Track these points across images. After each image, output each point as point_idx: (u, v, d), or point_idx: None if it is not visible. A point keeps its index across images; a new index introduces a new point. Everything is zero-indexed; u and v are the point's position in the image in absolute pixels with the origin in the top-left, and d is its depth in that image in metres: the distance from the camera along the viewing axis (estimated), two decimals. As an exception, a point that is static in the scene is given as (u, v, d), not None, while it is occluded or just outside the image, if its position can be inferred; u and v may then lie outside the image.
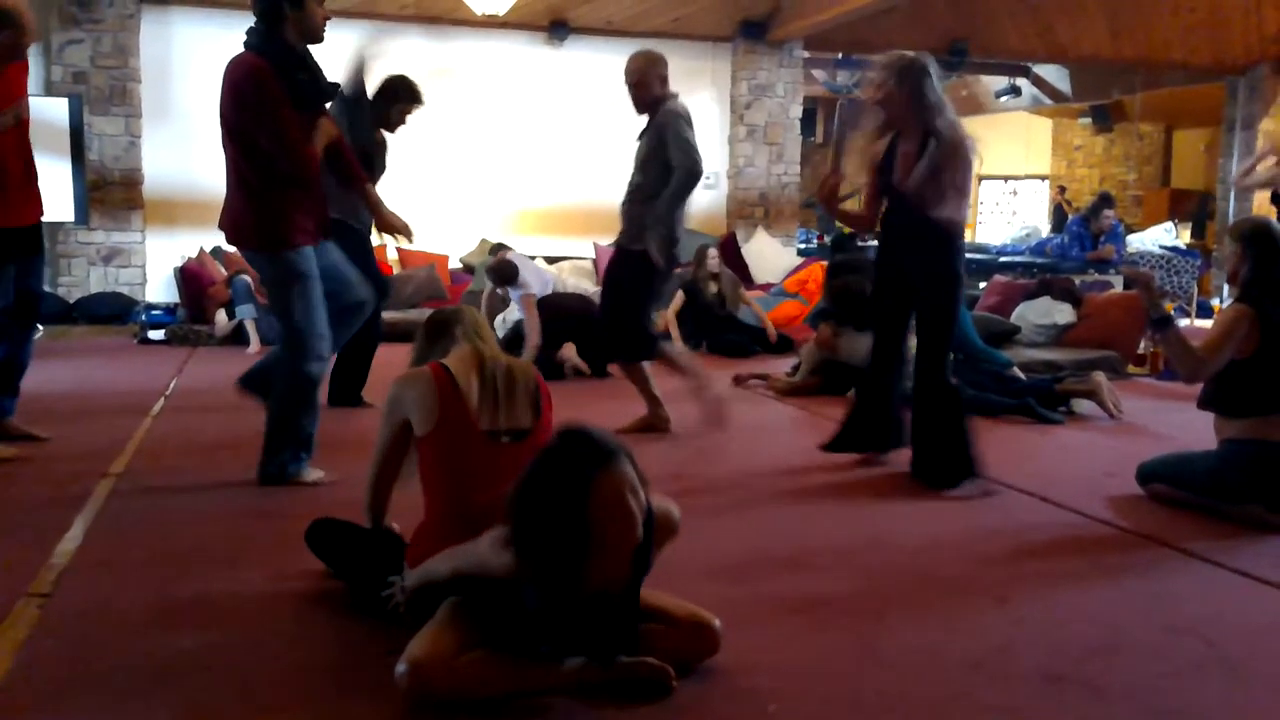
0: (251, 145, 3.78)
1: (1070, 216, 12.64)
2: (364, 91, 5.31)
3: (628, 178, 4.87)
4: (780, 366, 7.05)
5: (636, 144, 4.85)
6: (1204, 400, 3.87)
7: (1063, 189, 16.37)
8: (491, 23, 10.18)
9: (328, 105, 4.11)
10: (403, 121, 5.60)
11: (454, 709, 2.09)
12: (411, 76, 5.63)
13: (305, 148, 3.82)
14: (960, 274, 4.12)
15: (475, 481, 2.44)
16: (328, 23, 3.95)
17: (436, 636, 2.17)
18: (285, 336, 3.98)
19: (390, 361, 5.71)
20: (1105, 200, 10.22)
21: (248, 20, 3.89)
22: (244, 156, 3.81)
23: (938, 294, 4.09)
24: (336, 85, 4.17)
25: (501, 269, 7.27)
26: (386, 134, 5.59)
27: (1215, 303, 12.47)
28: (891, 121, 4.12)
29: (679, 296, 8.19)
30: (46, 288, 9.76)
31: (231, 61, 3.80)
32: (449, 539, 2.34)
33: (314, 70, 3.93)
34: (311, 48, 3.94)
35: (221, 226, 4.01)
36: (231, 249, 9.16)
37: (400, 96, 5.52)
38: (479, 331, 2.68)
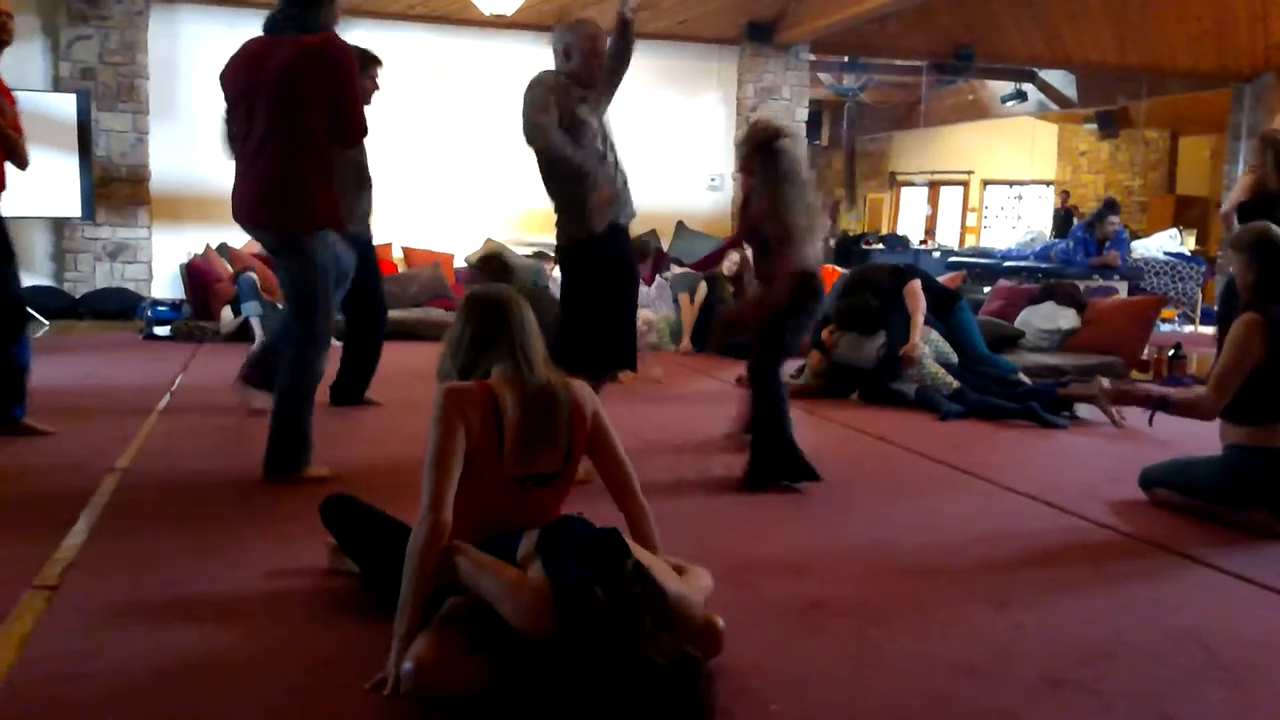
0: (318, 125, 3.82)
1: (1076, 222, 12.64)
2: None
3: (617, 159, 4.46)
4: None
5: (604, 121, 4.49)
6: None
7: (1066, 194, 16.33)
8: (499, 23, 10.20)
9: None
10: (376, 88, 5.37)
11: (459, 707, 2.10)
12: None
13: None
14: (790, 303, 4.15)
15: (491, 515, 2.43)
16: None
17: (442, 635, 2.18)
18: (299, 323, 3.97)
19: (395, 357, 5.75)
20: (1110, 207, 10.21)
21: (255, 17, 3.91)
22: (305, 136, 3.82)
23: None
24: None
25: (495, 265, 7.32)
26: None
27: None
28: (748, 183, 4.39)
29: (701, 288, 8.26)
30: (53, 283, 9.83)
31: (316, 40, 3.80)
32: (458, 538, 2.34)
33: None
34: None
35: (244, 212, 3.96)
36: (238, 246, 9.23)
37: (364, 66, 5.23)
38: (525, 346, 2.49)
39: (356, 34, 5.87)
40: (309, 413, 3.98)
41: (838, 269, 9.54)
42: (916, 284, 6.18)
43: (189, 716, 2.11)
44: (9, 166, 4.49)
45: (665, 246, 11.05)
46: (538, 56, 11.36)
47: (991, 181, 18.62)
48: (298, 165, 3.84)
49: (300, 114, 3.80)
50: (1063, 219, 15.05)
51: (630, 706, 1.95)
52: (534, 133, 4.15)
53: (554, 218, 4.40)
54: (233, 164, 3.99)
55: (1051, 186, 17.82)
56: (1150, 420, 4.02)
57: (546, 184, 4.33)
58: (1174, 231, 12.62)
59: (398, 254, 10.30)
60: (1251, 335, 3.68)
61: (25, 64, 9.58)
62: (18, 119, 4.50)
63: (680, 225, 11.60)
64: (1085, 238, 9.97)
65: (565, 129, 4.15)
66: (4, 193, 4.45)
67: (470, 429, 2.36)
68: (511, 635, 2.13)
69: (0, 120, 4.35)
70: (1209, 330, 10.42)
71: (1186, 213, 15.27)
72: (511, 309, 2.54)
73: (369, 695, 2.17)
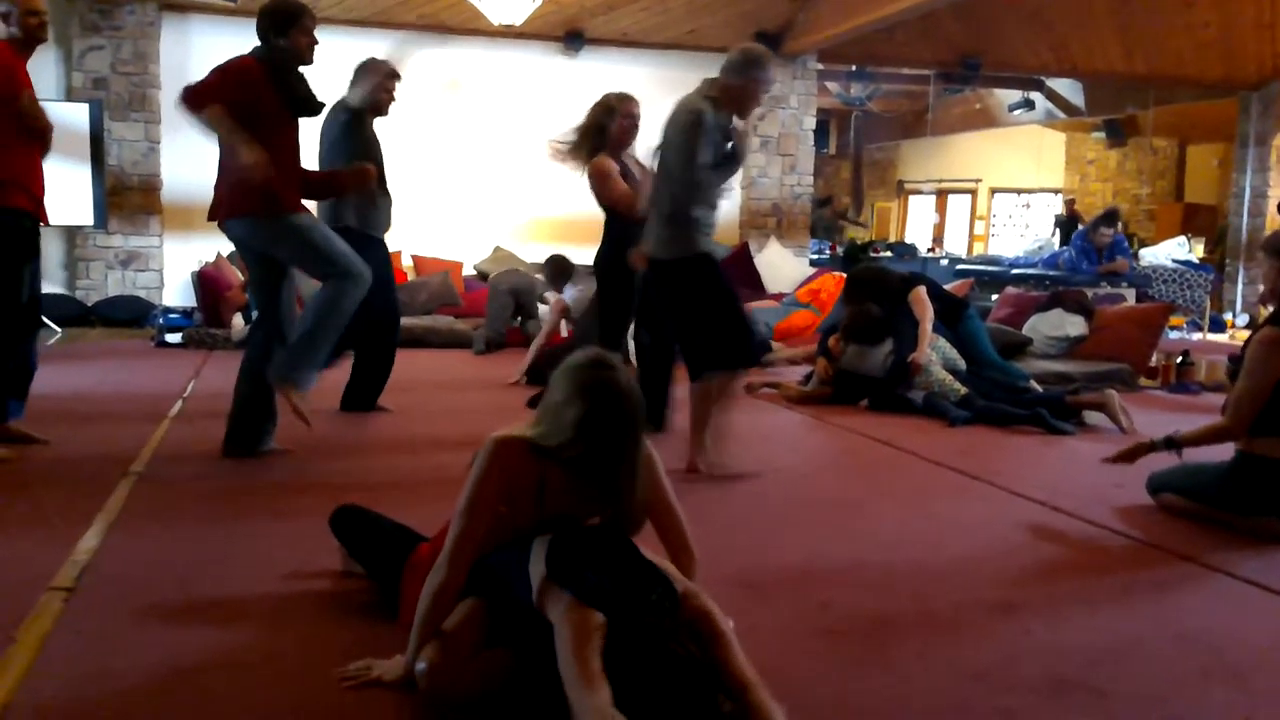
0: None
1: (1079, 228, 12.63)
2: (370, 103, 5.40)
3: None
4: (793, 375, 7.08)
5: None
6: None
7: (1071, 201, 16.28)
8: (508, 33, 10.26)
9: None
10: (392, 99, 5.49)
11: (471, 708, 2.13)
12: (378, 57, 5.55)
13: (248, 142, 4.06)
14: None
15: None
16: (314, 48, 4.31)
17: (456, 637, 2.20)
18: (324, 271, 4.26)
19: (404, 364, 5.78)
20: (1107, 218, 10.12)
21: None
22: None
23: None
24: (320, 103, 4.47)
25: (558, 263, 7.35)
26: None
27: (1228, 317, 12.47)
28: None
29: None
30: (65, 290, 9.89)
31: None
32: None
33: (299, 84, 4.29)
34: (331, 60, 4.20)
35: (216, 214, 4.27)
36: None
37: (381, 76, 5.42)
38: (629, 487, 2.25)
39: (366, 45, 5.92)
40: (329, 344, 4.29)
41: (845, 277, 9.56)
42: (922, 291, 6.20)
43: (206, 714, 2.14)
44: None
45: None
46: (546, 66, 11.40)
47: (999, 190, 18.63)
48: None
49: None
50: (1068, 226, 15.04)
51: (652, 707, 1.97)
52: (691, 165, 4.26)
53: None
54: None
55: (1060, 195, 17.82)
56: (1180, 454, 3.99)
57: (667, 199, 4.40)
58: (1182, 239, 12.63)
59: (407, 262, 10.34)
60: (1272, 355, 3.63)
61: (38, 74, 9.58)
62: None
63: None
64: (1085, 246, 9.98)
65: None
66: (44, 197, 4.58)
67: (510, 494, 2.25)
68: (527, 636, 2.14)
69: (34, 107, 4.41)
70: (1217, 338, 10.43)
71: (1195, 221, 15.26)
72: (638, 428, 2.24)
73: (383, 694, 2.20)
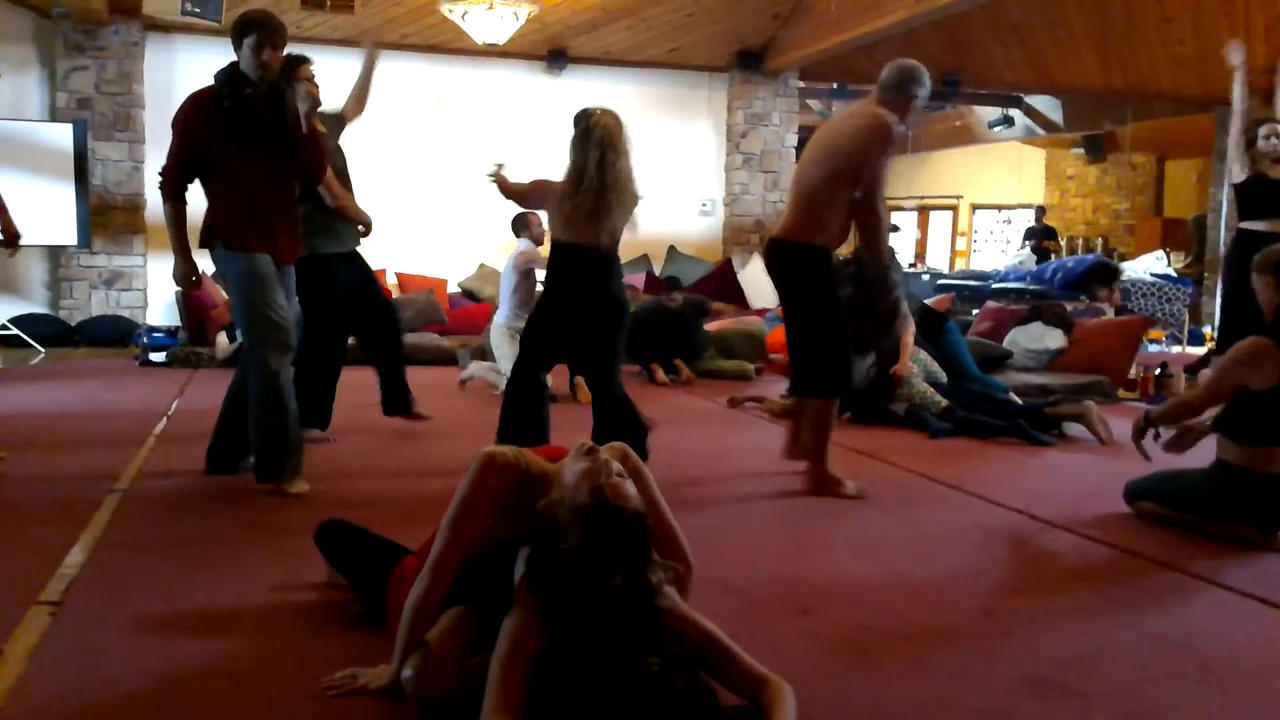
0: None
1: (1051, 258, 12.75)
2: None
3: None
4: (776, 389, 7.12)
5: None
6: (1215, 420, 3.86)
7: (1041, 210, 16.15)
8: (491, 52, 10.33)
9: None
10: (315, 94, 5.21)
11: (458, 715, 2.15)
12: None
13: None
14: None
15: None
16: (274, 64, 4.15)
17: (440, 644, 2.23)
18: (242, 333, 4.25)
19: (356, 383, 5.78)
20: (1106, 275, 9.73)
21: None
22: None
23: None
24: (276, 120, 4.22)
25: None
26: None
27: (1206, 330, 12.57)
28: None
29: None
30: (48, 310, 9.88)
31: None
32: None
33: (257, 102, 4.11)
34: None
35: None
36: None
37: (292, 65, 5.31)
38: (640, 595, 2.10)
39: (351, 63, 5.96)
40: (285, 420, 4.19)
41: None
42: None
43: (194, 722, 2.16)
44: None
45: (658, 271, 11.14)
46: (529, 85, 11.47)
47: (980, 206, 18.78)
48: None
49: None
50: (1041, 235, 15.11)
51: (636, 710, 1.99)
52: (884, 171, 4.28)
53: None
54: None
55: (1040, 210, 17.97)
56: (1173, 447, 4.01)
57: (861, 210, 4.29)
58: (1160, 253, 12.73)
59: (392, 279, 10.37)
60: (1260, 356, 3.66)
61: (22, 94, 9.68)
62: None
63: (672, 250, 11.70)
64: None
65: None
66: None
67: (498, 507, 2.25)
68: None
69: None
70: (1196, 350, 10.51)
71: (1174, 235, 15.41)
72: (641, 536, 2.13)
73: (371, 701, 2.22)
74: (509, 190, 4.63)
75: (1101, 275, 9.78)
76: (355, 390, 5.69)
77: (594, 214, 4.31)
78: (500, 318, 7.18)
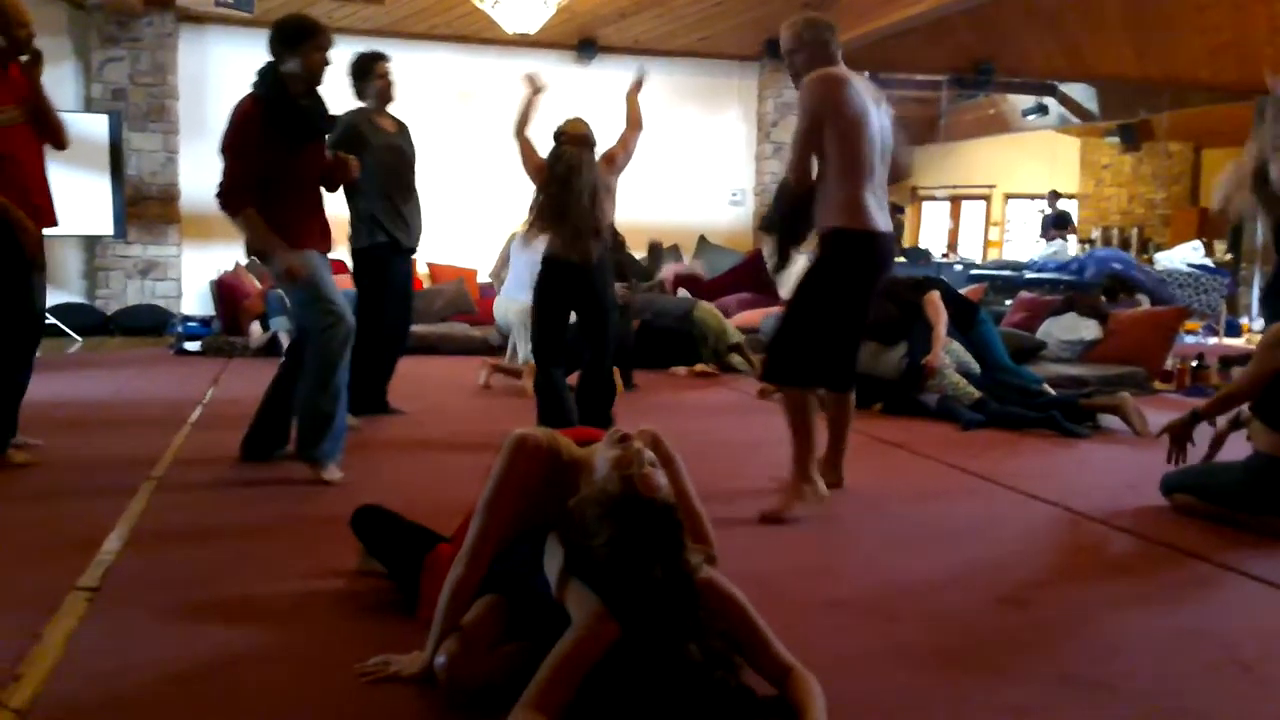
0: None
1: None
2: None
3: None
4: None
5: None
6: (1252, 406, 3.86)
7: (1055, 194, 15.83)
8: (521, 41, 10.33)
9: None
10: (389, 91, 5.49)
11: (490, 701, 2.16)
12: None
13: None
14: None
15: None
16: (326, 68, 4.20)
17: (474, 631, 2.24)
18: (304, 313, 4.25)
19: (419, 369, 5.84)
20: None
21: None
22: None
23: None
24: (325, 122, 4.38)
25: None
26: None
27: (1244, 321, 12.43)
28: None
29: None
30: (84, 300, 9.99)
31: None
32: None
33: (306, 108, 4.21)
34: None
35: None
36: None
37: (368, 63, 5.43)
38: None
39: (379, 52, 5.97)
40: (325, 397, 4.22)
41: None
42: (936, 295, 6.22)
43: (230, 707, 2.18)
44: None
45: (687, 261, 11.12)
46: (559, 74, 11.44)
47: (1014, 196, 18.60)
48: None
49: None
50: (1057, 222, 14.92)
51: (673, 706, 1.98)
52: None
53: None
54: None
55: (1075, 200, 17.78)
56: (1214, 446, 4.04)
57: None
58: (1197, 243, 12.58)
59: (423, 269, 10.41)
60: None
61: (58, 86, 9.77)
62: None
63: (702, 240, 11.68)
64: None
65: None
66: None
67: (530, 489, 2.27)
68: (546, 628, 2.16)
69: (42, 103, 4.32)
70: (1233, 341, 10.39)
71: (1210, 225, 15.22)
72: (671, 526, 2.12)
73: (402, 686, 2.24)
74: (525, 136, 4.93)
75: (1117, 289, 9.67)
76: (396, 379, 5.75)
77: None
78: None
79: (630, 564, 2.04)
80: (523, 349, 6.81)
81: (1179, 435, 3.98)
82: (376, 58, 5.39)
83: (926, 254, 15.14)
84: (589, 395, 4.86)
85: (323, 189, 4.44)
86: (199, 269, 10.15)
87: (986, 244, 18.64)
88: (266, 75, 4.14)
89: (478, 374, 6.96)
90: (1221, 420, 4.07)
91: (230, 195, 4.09)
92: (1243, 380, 3.86)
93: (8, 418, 4.35)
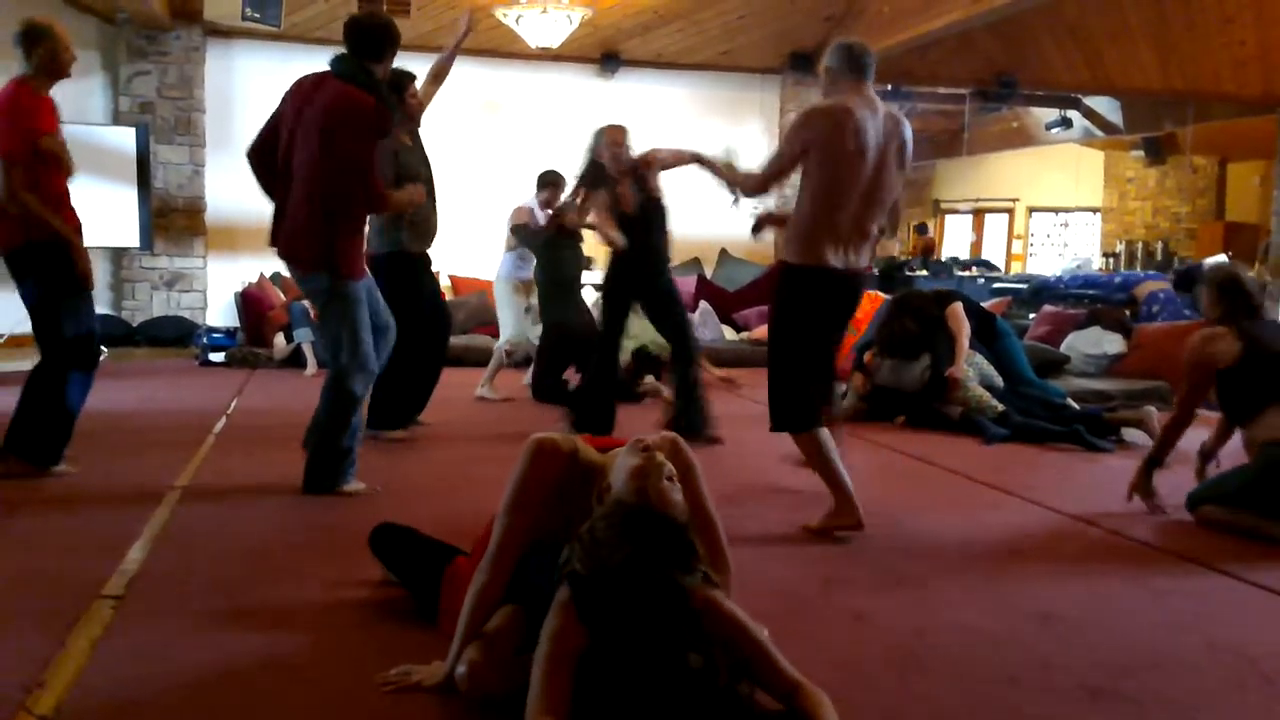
0: (342, 175, 3.97)
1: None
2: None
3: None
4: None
5: None
6: (1230, 418, 4.11)
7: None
8: (545, 55, 10.38)
9: None
10: (418, 111, 5.51)
11: (511, 710, 2.16)
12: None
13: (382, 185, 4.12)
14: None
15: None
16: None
17: (495, 640, 2.25)
18: (333, 354, 4.14)
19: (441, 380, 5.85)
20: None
21: (308, 53, 4.12)
22: (327, 183, 3.97)
23: None
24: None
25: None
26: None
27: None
28: None
29: None
30: (111, 311, 10.08)
31: (340, 92, 3.96)
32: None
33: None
34: None
35: (277, 244, 4.19)
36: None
37: (403, 81, 5.38)
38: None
39: (408, 67, 6.01)
40: (349, 435, 4.15)
41: (880, 295, 9.56)
42: (959, 307, 6.20)
43: (250, 717, 2.20)
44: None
45: (709, 274, 11.12)
46: (582, 88, 11.49)
47: (1037, 209, 18.54)
48: (329, 213, 4.00)
49: (330, 163, 3.95)
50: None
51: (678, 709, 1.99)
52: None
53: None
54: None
55: (1099, 214, 17.70)
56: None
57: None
58: (1223, 257, 12.49)
59: (445, 282, 10.45)
60: (1206, 338, 4.12)
61: (86, 99, 9.89)
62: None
63: (724, 252, 11.68)
64: None
65: None
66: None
67: (549, 494, 2.29)
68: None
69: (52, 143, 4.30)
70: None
71: (1236, 239, 15.10)
72: (680, 544, 2.07)
73: (424, 695, 2.25)
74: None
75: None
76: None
77: None
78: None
79: (633, 570, 1.99)
80: (504, 331, 7.37)
81: (1143, 488, 4.14)
82: (408, 77, 5.33)
83: (949, 266, 15.10)
84: (593, 395, 5.13)
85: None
86: (224, 281, 10.22)
87: (1009, 257, 18.57)
88: (369, 74, 4.05)
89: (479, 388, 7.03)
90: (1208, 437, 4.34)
91: (375, 193, 4.05)
92: (1176, 408, 3.98)
93: (64, 435, 4.40)
